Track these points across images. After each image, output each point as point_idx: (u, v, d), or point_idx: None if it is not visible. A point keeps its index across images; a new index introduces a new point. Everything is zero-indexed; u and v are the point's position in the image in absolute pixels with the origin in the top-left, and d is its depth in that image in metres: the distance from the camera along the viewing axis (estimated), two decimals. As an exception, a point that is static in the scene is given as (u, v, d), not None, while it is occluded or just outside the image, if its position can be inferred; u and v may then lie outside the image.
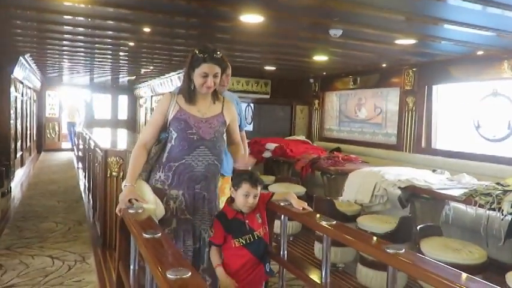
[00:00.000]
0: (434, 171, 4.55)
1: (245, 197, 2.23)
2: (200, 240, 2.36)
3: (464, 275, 1.51)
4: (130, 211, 2.05)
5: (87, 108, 14.13)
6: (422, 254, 2.88)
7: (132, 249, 2.01)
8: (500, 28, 3.71)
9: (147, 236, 1.69)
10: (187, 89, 2.33)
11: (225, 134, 2.47)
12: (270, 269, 2.34)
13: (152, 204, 2.19)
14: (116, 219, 2.39)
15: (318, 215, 2.28)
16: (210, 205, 2.39)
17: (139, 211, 2.05)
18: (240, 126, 3.29)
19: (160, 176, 2.34)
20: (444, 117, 5.91)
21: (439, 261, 2.68)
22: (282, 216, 2.45)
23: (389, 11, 3.41)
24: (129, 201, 2.14)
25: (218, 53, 2.29)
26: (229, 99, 3.25)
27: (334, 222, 2.09)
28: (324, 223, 2.09)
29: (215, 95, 2.42)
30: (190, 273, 1.32)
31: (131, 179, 2.25)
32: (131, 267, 2.05)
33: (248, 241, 2.24)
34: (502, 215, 3.21)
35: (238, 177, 2.29)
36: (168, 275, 1.31)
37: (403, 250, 1.65)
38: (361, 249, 2.04)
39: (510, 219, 3.31)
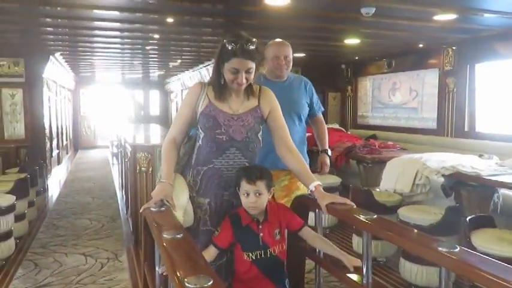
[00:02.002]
0: (481, 156, 4.20)
1: (246, 197, 1.92)
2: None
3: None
4: (153, 209, 1.92)
5: (137, 105, 14.39)
6: (474, 248, 2.62)
7: (156, 250, 1.88)
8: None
9: (167, 236, 1.54)
10: (217, 84, 2.04)
11: (260, 133, 2.10)
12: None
13: (181, 210, 1.96)
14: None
15: (355, 209, 2.07)
16: None
17: (162, 209, 1.90)
18: (315, 109, 3.03)
19: (189, 181, 2.08)
20: (489, 98, 5.50)
21: (494, 256, 2.44)
22: (317, 209, 2.26)
23: (427, -17, 3.14)
24: (161, 200, 1.91)
25: (251, 43, 1.92)
26: (299, 81, 2.94)
27: (375, 216, 1.87)
28: (362, 217, 1.88)
29: (249, 90, 2.08)
30: (212, 281, 1.16)
31: (168, 175, 1.98)
32: (157, 269, 1.92)
33: (258, 257, 1.94)
34: None
35: (237, 174, 1.98)
36: (186, 283, 1.16)
37: (458, 249, 1.43)
38: (409, 248, 1.81)
39: None
